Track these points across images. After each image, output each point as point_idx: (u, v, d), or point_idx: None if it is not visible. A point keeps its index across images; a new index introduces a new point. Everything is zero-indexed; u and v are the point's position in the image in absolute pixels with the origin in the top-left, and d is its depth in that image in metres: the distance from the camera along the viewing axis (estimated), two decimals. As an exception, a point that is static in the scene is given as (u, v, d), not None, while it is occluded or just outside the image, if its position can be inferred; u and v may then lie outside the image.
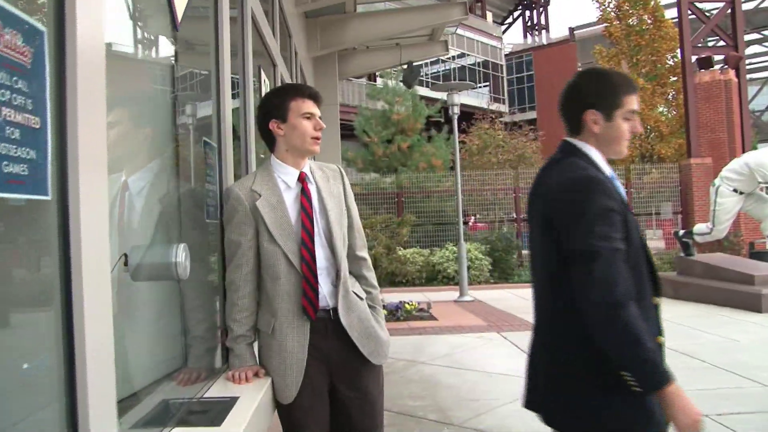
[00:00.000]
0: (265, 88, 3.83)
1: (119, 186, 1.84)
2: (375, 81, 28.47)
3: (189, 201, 2.34)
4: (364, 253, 2.69)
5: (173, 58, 2.31)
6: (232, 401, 1.98)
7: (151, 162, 2.05)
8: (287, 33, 5.83)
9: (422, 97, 22.30)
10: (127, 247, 1.77)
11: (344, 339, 2.49)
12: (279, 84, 4.52)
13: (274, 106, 2.51)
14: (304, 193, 2.48)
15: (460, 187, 13.00)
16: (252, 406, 1.97)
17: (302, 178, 2.51)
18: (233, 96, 3.11)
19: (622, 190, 2.07)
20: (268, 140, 2.57)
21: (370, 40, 9.18)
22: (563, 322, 2.00)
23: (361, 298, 2.59)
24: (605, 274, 1.85)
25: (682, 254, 11.71)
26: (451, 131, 13.83)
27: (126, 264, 1.76)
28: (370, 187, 17.52)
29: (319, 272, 2.42)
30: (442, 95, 16.52)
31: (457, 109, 12.40)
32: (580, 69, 2.24)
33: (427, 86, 34.86)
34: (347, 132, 22.98)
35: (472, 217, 19.77)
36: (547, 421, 2.10)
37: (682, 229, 13.62)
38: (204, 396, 2.06)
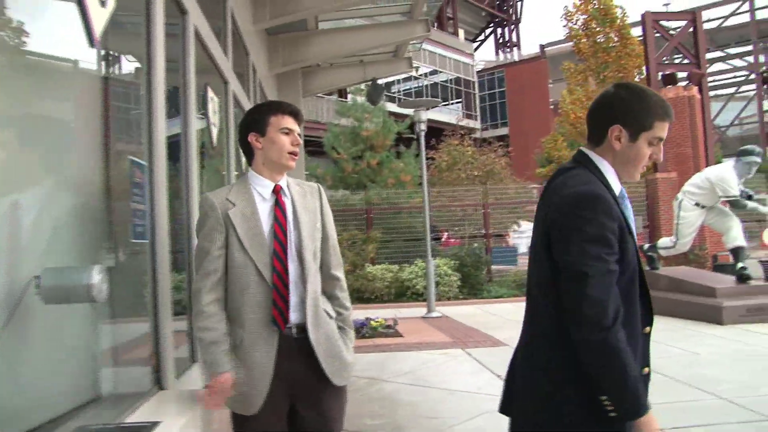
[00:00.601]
0: (213, 106, 3.79)
1: (25, 205, 1.78)
2: (346, 97, 28.50)
3: (109, 221, 2.29)
4: (338, 272, 2.71)
5: (101, 71, 2.26)
6: (151, 427, 1.92)
7: (60, 180, 2.00)
8: (244, 50, 5.80)
9: (392, 114, 22.35)
10: (39, 268, 1.72)
11: (309, 359, 2.49)
12: (230, 101, 4.49)
13: (255, 120, 2.59)
14: (279, 205, 2.53)
15: (428, 203, 13.02)
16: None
17: (277, 191, 2.56)
18: (174, 113, 3.07)
19: (630, 211, 2.04)
20: (247, 153, 2.62)
21: (334, 57, 9.17)
22: (548, 325, 2.00)
23: (331, 317, 2.59)
24: (596, 296, 1.83)
25: (647, 268, 11.79)
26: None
27: (38, 287, 1.71)
28: (339, 204, 17.46)
29: (290, 285, 2.44)
30: (411, 111, 16.62)
31: (424, 126, 12.44)
32: (615, 85, 2.14)
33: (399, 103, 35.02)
34: (317, 149, 22.96)
35: (446, 233, 19.78)
36: (513, 425, 2.13)
37: (648, 242, 13.75)
38: (123, 422, 1.99)
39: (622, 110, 2.00)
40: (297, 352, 2.47)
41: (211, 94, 3.76)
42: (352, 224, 16.35)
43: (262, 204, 2.52)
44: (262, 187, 2.55)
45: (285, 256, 2.46)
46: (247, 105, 5.57)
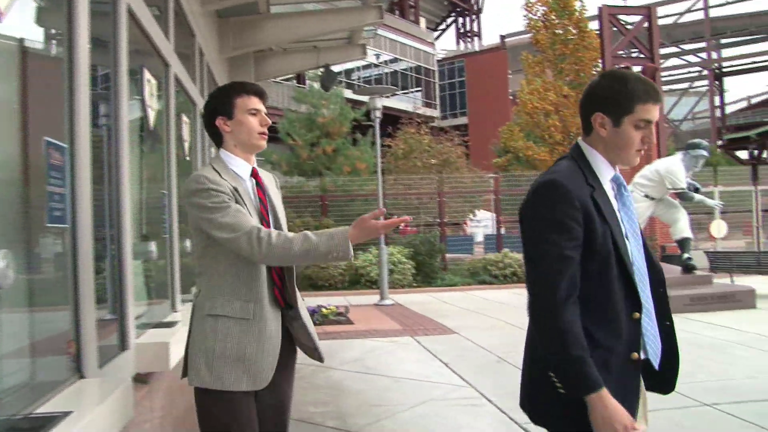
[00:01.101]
0: (150, 88, 3.69)
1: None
2: (304, 84, 28.27)
3: (19, 204, 2.21)
4: None
5: (16, 47, 2.17)
6: (62, 417, 1.86)
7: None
8: (189, 32, 5.68)
9: (349, 101, 22.23)
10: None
11: (288, 339, 2.53)
12: (171, 84, 4.39)
13: (220, 103, 2.53)
14: (260, 187, 2.54)
15: (381, 191, 13.01)
16: (81, 423, 1.85)
17: (255, 174, 2.56)
18: (105, 92, 2.99)
19: (628, 199, 2.09)
20: (215, 137, 2.58)
21: (286, 42, 9.05)
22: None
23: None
24: (544, 278, 1.90)
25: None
26: (376, 135, 13.82)
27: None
28: (294, 191, 17.36)
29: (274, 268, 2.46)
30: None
31: (379, 113, 12.40)
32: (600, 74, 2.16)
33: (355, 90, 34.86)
34: (272, 134, 22.74)
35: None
36: (533, 420, 2.12)
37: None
38: (34, 413, 1.93)
39: (602, 97, 2.03)
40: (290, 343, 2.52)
41: (148, 76, 3.66)
42: (307, 211, 16.26)
43: (244, 185, 2.49)
44: (239, 168, 2.52)
45: None
46: (192, 88, 5.47)
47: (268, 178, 2.68)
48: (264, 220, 2.47)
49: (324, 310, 10.10)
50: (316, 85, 20.86)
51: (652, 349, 2.09)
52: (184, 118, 5.07)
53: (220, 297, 2.38)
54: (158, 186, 4.26)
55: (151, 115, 3.76)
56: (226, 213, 2.30)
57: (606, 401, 1.86)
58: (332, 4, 8.60)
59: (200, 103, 5.77)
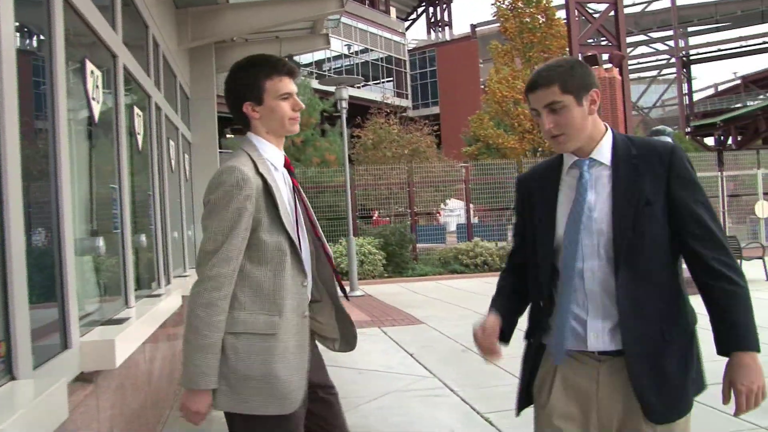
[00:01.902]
0: (93, 80, 3.60)
1: None
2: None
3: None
4: None
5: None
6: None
7: None
8: (142, 23, 5.56)
9: (318, 92, 22.10)
10: None
11: (315, 344, 2.42)
12: (119, 77, 4.28)
13: (247, 87, 2.27)
14: (293, 176, 2.36)
15: (349, 182, 12.97)
16: (1, 425, 1.78)
17: (288, 163, 2.35)
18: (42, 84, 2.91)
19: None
20: (243, 121, 2.34)
21: (247, 33, 8.92)
22: None
23: None
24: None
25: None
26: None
27: None
28: (263, 183, 17.23)
29: (305, 263, 2.26)
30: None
31: (345, 104, 12.33)
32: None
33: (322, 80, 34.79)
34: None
35: (376, 212, 19.77)
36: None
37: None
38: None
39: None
40: (311, 338, 2.32)
41: (91, 67, 3.56)
42: (277, 204, 16.15)
43: (277, 175, 2.27)
44: (273, 157, 2.30)
45: (301, 231, 2.28)
46: (146, 80, 5.35)
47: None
48: (305, 215, 2.33)
49: (292, 302, 10.03)
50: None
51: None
52: (137, 111, 4.96)
53: (241, 311, 2.16)
54: (107, 180, 4.17)
55: (96, 109, 3.66)
56: (220, 240, 2.13)
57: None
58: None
59: (155, 95, 5.66)
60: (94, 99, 3.63)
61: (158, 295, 5.04)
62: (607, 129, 2.12)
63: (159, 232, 5.64)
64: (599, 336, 2.03)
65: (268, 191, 2.19)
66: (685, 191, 1.97)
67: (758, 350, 1.94)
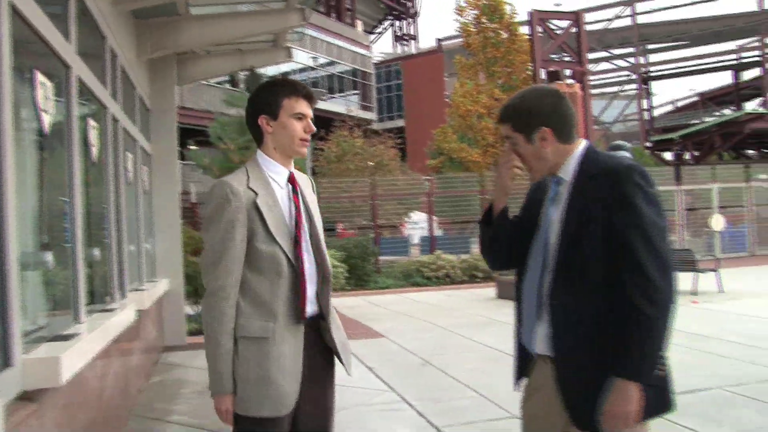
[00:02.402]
0: (44, 92, 3.54)
1: None
2: (237, 87, 27.87)
3: None
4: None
5: None
6: None
7: None
8: (99, 33, 5.49)
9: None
10: None
11: (317, 353, 2.47)
12: (72, 86, 4.22)
13: (267, 102, 2.45)
14: (296, 193, 2.47)
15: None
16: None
17: (293, 179, 2.48)
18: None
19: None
20: (256, 135, 2.51)
21: (209, 44, 8.86)
22: None
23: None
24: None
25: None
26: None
27: None
28: (226, 195, 17.07)
29: (307, 277, 2.38)
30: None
31: (308, 116, 12.28)
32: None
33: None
34: (204, 138, 22.34)
35: (341, 225, 19.73)
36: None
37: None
38: None
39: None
40: (309, 345, 2.40)
41: (41, 78, 3.50)
42: (240, 216, 16.00)
43: (279, 191, 2.43)
44: (276, 174, 2.46)
45: (302, 247, 2.39)
46: (102, 91, 5.29)
47: (305, 182, 2.61)
48: (298, 227, 2.40)
49: (252, 316, 9.93)
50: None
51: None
52: (92, 122, 4.89)
53: (240, 317, 2.33)
54: (58, 193, 4.10)
55: (47, 120, 3.60)
56: (219, 252, 2.30)
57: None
58: (258, 5, 8.47)
59: (111, 106, 5.58)
60: (44, 110, 3.57)
61: (112, 310, 4.96)
62: (579, 145, 2.22)
63: (114, 245, 5.55)
64: (542, 341, 2.17)
65: (257, 204, 2.33)
66: (621, 215, 2.03)
67: (637, 380, 1.98)
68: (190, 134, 23.82)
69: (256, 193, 2.35)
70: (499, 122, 2.26)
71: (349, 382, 6.37)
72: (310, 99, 2.51)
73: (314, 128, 2.53)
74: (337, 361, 2.58)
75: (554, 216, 2.17)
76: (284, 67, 40.94)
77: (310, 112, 2.50)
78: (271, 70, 39.52)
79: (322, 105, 36.08)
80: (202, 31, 7.94)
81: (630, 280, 1.99)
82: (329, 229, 18.89)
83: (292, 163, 2.55)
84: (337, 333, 2.54)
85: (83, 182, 4.52)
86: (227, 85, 30.81)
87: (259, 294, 2.33)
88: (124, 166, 6.22)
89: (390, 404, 5.57)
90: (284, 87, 2.47)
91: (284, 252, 2.34)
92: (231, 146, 20.02)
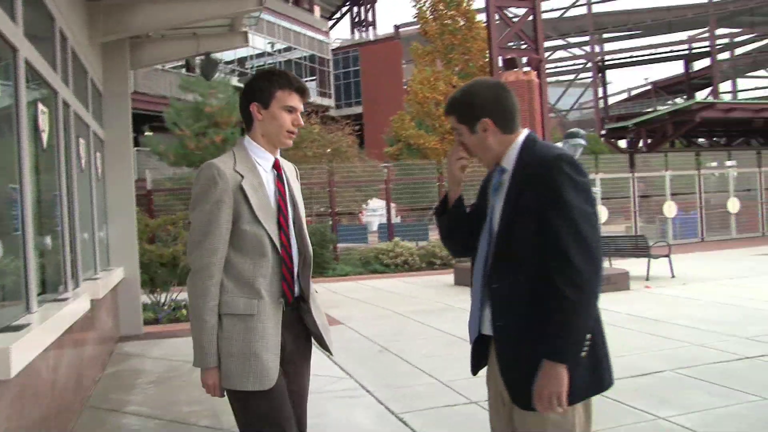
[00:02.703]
0: (-10, 74, 3.43)
1: None
2: (193, 72, 27.44)
3: None
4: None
5: None
6: None
7: None
8: (48, 15, 5.34)
9: (238, 89, 21.71)
10: None
11: (297, 332, 2.58)
12: (20, 70, 4.10)
13: (260, 90, 2.54)
14: (280, 178, 2.57)
15: (269, 182, 12.82)
16: None
17: (277, 165, 2.58)
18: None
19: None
20: (247, 120, 2.59)
21: (163, 28, 8.68)
22: None
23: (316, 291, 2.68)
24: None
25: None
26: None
27: None
28: (182, 182, 16.85)
29: (290, 259, 2.50)
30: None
31: (265, 103, 12.16)
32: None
33: (242, 78, 34.23)
34: (159, 124, 21.96)
35: (299, 212, 19.58)
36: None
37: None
38: None
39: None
40: (289, 322, 2.51)
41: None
42: (196, 203, 15.78)
43: (264, 176, 2.53)
44: (263, 159, 2.55)
45: (287, 230, 2.51)
46: (52, 75, 5.15)
47: (289, 169, 2.70)
48: (282, 213, 2.49)
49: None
50: (205, 74, 20.25)
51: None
52: (41, 107, 4.76)
53: (224, 294, 2.42)
54: (7, 180, 3.98)
55: (-7, 104, 3.50)
56: (204, 231, 2.40)
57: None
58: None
59: (61, 90, 5.44)
60: (-11, 94, 3.46)
61: (65, 299, 4.85)
62: (520, 135, 2.29)
63: (67, 233, 5.43)
64: (486, 323, 2.28)
65: (242, 187, 2.42)
66: (549, 203, 2.10)
67: (562, 362, 2.06)
68: (145, 120, 23.46)
69: (242, 176, 2.44)
70: (445, 114, 2.37)
71: (307, 370, 6.38)
72: (302, 93, 2.59)
73: (302, 122, 2.64)
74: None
75: (497, 204, 2.26)
76: (241, 52, 40.48)
77: (300, 106, 2.59)
78: (227, 55, 39.07)
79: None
80: (156, 14, 7.78)
81: (555, 266, 2.06)
82: (286, 216, 18.76)
83: (278, 151, 2.63)
84: (318, 315, 2.63)
85: (33, 169, 4.41)
86: (183, 70, 30.36)
87: (242, 273, 2.42)
88: (77, 152, 6.08)
89: (348, 391, 5.58)
90: (279, 78, 2.55)
91: (268, 234, 2.44)
92: (187, 132, 19.84)
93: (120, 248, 8.20)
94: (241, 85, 22.37)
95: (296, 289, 2.53)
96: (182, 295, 10.35)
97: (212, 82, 19.53)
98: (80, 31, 6.82)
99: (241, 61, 42.75)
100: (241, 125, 20.53)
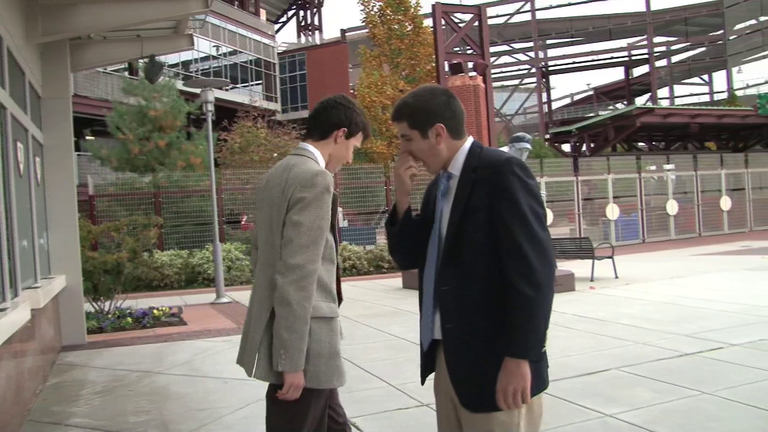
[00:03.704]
0: None
1: None
2: (136, 75, 26.90)
3: None
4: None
5: None
6: None
7: None
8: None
9: (183, 93, 21.40)
10: None
11: None
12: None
13: (353, 122, 2.76)
14: None
15: (215, 186, 12.66)
16: None
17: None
18: None
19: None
20: (324, 133, 2.76)
21: (105, 29, 8.47)
22: None
23: None
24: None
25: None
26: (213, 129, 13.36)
27: None
28: (125, 187, 16.49)
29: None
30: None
31: (211, 106, 12.03)
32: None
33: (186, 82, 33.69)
34: (101, 128, 21.48)
35: (245, 216, 19.39)
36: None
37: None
38: None
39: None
40: None
41: None
42: (140, 208, 15.51)
43: None
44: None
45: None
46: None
47: None
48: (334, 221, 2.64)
49: (155, 311, 9.65)
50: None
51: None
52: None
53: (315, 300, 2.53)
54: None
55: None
56: (315, 236, 2.48)
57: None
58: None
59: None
60: None
61: (3, 310, 4.69)
62: (466, 141, 2.33)
63: (4, 240, 5.24)
64: (435, 327, 2.29)
65: (335, 195, 2.61)
66: (502, 204, 2.13)
67: (525, 358, 2.10)
68: (87, 124, 22.91)
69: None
70: (394, 120, 2.37)
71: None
72: (366, 139, 2.92)
73: (351, 162, 2.92)
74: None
75: (445, 209, 2.28)
76: (185, 55, 39.89)
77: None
78: (172, 58, 38.45)
79: (224, 95, 35.39)
80: (97, 15, 7.60)
81: (511, 265, 2.10)
82: (234, 221, 18.56)
83: None
84: None
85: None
86: (126, 73, 29.73)
87: (322, 278, 2.55)
88: (14, 156, 5.88)
89: (299, 397, 5.51)
90: (366, 125, 2.85)
91: (336, 242, 2.64)
92: (130, 136, 19.44)
93: (61, 256, 7.96)
94: (187, 88, 22.07)
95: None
96: (127, 303, 10.14)
97: (156, 85, 19.19)
98: (17, 31, 6.61)
99: (186, 64, 42.13)
100: (185, 129, 20.16)
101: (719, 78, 63.58)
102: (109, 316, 9.44)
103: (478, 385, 2.15)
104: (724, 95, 56.26)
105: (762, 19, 55.71)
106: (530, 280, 2.07)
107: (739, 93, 55.00)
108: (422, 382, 2.45)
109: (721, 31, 58.35)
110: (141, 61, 18.66)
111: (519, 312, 2.08)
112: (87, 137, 22.95)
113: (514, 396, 2.09)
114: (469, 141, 2.32)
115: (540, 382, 2.21)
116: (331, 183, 2.54)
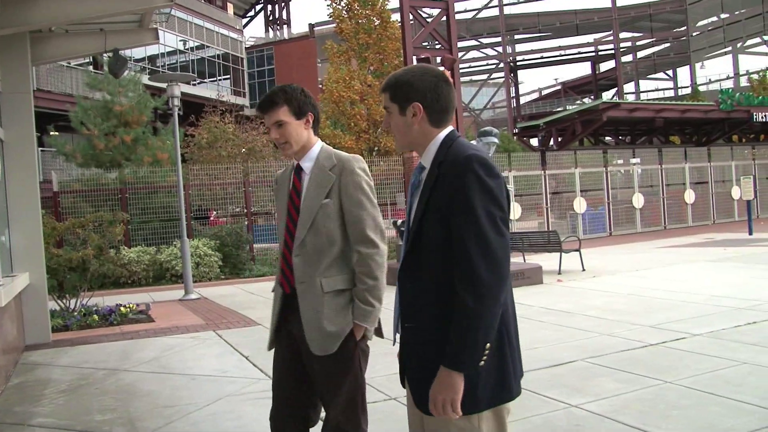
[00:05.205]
0: None
1: None
2: (101, 69, 26.46)
3: None
4: (359, 246, 2.82)
5: None
6: None
7: None
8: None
9: (149, 88, 21.14)
10: None
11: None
12: None
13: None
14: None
15: (182, 182, 12.55)
16: None
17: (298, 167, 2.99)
18: None
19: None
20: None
21: (67, 22, 8.32)
22: None
23: (331, 290, 2.82)
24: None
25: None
26: (180, 124, 13.21)
27: None
28: (91, 183, 16.25)
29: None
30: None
31: (178, 101, 11.92)
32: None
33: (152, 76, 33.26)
34: (65, 123, 21.12)
35: (213, 212, 19.23)
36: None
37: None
38: None
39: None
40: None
41: None
42: (106, 205, 15.29)
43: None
44: None
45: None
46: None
47: (322, 167, 2.92)
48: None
49: (122, 308, 9.54)
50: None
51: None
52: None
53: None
54: None
55: None
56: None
57: None
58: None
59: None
60: None
61: (-38, 307, 4.60)
62: (442, 132, 2.23)
63: (-37, 237, 5.14)
64: (399, 325, 2.26)
65: None
66: (456, 205, 2.04)
67: (457, 370, 1.99)
68: (50, 119, 22.48)
69: None
70: (381, 90, 2.32)
71: (224, 372, 6.27)
72: (260, 110, 2.96)
73: (274, 135, 2.91)
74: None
75: (414, 202, 2.23)
76: (151, 50, 39.39)
77: (268, 122, 2.93)
78: (138, 53, 37.94)
79: (192, 90, 35.02)
80: (58, 7, 7.47)
81: (458, 272, 2.01)
82: (202, 217, 18.40)
83: (300, 157, 2.99)
84: (307, 309, 2.93)
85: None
86: (90, 67, 29.25)
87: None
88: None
89: (266, 392, 5.44)
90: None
91: None
92: (95, 132, 19.15)
93: (24, 253, 7.83)
94: (153, 83, 21.81)
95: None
96: (93, 301, 10.00)
97: (122, 80, 18.94)
98: (-25, 24, 6.47)
99: (152, 58, 41.62)
100: (152, 124, 19.92)
101: (683, 73, 64.56)
102: (75, 313, 9.31)
103: (428, 388, 2.06)
104: (689, 90, 57.11)
105: (723, 16, 56.69)
106: (473, 289, 1.97)
107: (702, 88, 55.91)
108: (402, 384, 2.33)
109: (685, 28, 59.21)
110: (105, 55, 18.43)
111: (459, 321, 1.98)
112: (51, 133, 22.54)
113: (443, 406, 2.00)
114: (444, 132, 2.23)
115: (506, 392, 2.13)
116: (368, 174, 2.90)
